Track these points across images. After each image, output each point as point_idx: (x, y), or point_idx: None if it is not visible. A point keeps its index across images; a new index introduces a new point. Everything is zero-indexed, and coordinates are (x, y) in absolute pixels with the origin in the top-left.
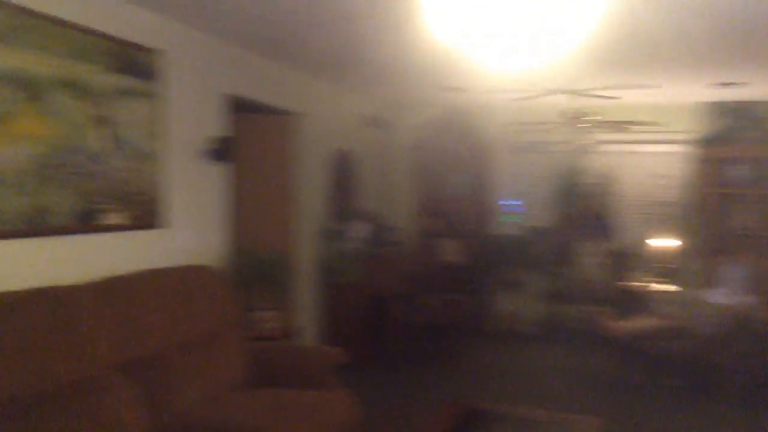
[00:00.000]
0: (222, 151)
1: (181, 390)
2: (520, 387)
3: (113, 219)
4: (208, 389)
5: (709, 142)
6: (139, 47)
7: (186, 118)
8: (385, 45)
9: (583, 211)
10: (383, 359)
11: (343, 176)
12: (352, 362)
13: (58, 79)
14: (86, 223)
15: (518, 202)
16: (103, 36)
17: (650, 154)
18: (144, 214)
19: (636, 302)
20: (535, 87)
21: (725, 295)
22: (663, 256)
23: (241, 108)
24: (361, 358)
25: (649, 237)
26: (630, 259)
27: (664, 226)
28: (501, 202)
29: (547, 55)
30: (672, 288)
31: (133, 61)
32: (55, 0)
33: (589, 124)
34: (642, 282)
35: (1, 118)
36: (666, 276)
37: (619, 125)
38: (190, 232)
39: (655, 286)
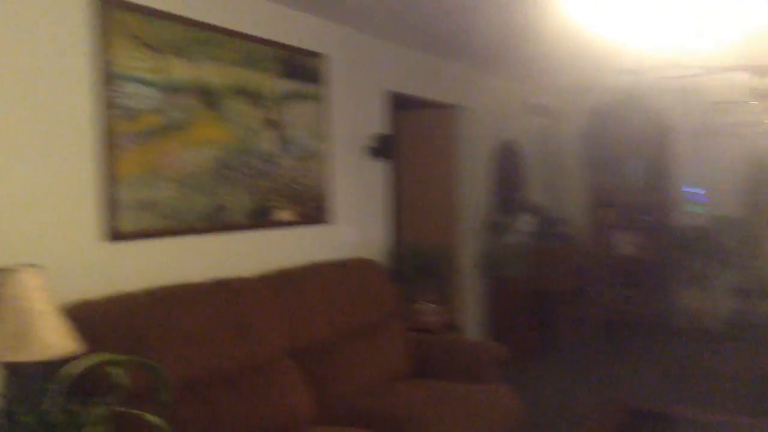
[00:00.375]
0: (384, 147)
1: (345, 378)
2: (702, 388)
3: (283, 215)
4: (371, 378)
5: None
6: (304, 52)
7: (350, 117)
8: (546, 30)
9: None
10: (551, 355)
11: (508, 168)
12: (517, 357)
13: (232, 86)
14: (259, 219)
15: (701, 191)
16: (273, 44)
17: None
18: (311, 211)
19: None
20: (712, 64)
21: None
22: None
23: (403, 104)
24: (527, 353)
25: None
26: None
27: None
28: (684, 190)
29: (727, 31)
30: None
31: (299, 66)
32: (229, 13)
33: None
34: None
35: (184, 125)
36: None
37: None
38: (354, 226)
39: None
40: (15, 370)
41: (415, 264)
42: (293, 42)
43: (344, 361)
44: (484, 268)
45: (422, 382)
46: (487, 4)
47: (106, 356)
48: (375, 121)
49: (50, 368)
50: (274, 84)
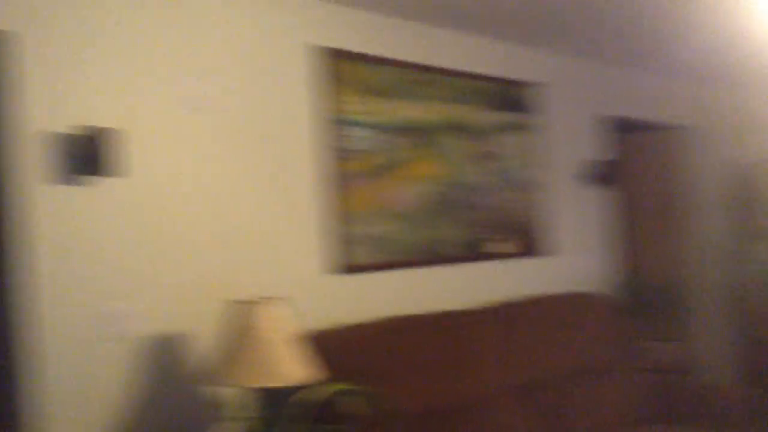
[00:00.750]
0: (605, 174)
1: (569, 418)
2: None
3: (497, 247)
4: (599, 421)
5: None
6: (517, 83)
7: (565, 145)
8: None
9: None
10: None
11: (751, 191)
12: None
13: (446, 122)
14: (474, 251)
15: None
16: (485, 78)
17: None
18: (526, 242)
19: None
20: None
21: None
22: None
23: (626, 128)
24: None
25: None
26: None
27: None
28: None
29: None
30: None
31: (512, 97)
32: (441, 53)
33: None
34: None
35: (403, 163)
36: None
37: None
38: (573, 258)
39: None
40: (261, 395)
41: (645, 298)
42: (505, 74)
43: (569, 402)
44: (728, 301)
45: (660, 427)
46: (711, 13)
47: (340, 386)
48: (594, 148)
49: (290, 395)
50: (487, 117)
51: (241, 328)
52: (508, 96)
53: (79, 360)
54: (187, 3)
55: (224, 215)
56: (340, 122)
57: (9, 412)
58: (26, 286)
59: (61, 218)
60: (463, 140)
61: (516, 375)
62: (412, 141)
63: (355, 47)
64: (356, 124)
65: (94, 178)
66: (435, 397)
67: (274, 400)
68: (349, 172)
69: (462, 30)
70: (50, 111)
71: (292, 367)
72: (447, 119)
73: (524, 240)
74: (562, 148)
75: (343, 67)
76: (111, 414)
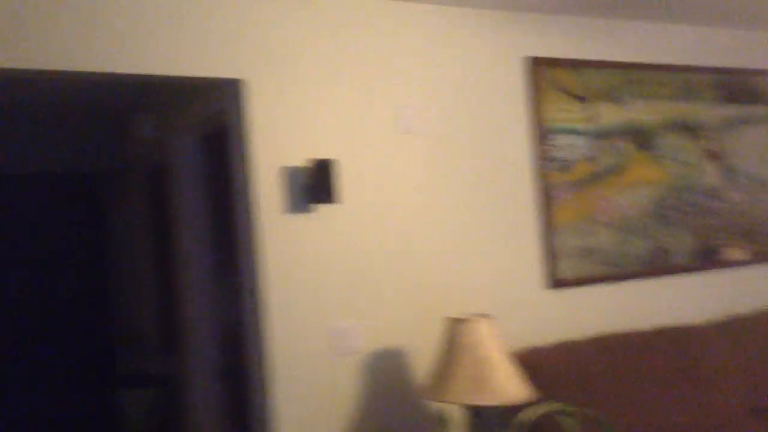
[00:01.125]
0: None
1: None
2: None
3: (732, 254)
4: None
5: None
6: (748, 72)
7: None
8: None
9: None
10: None
11: None
12: None
13: (666, 122)
14: (704, 260)
15: None
16: (709, 70)
17: None
18: (766, 247)
19: None
20: None
21: None
22: None
23: None
24: None
25: None
26: None
27: None
28: None
29: None
30: None
31: (743, 88)
32: (657, 49)
33: None
34: None
35: (617, 169)
36: None
37: None
38: None
39: None
40: (475, 412)
41: None
42: (734, 63)
43: None
44: None
45: None
46: None
47: (558, 406)
48: None
49: (505, 413)
50: (713, 112)
51: (457, 345)
52: (738, 87)
53: (308, 374)
54: (401, 31)
55: (441, 232)
56: (551, 131)
57: (244, 423)
58: (260, 306)
59: (291, 243)
60: (689, 139)
61: (754, 396)
62: (628, 144)
63: (566, 53)
64: (568, 131)
65: (320, 205)
66: (659, 419)
67: (490, 417)
68: (560, 183)
69: (679, 22)
70: (278, 146)
71: (506, 385)
72: (668, 118)
73: (765, 244)
74: None
75: (555, 74)
76: (338, 425)
